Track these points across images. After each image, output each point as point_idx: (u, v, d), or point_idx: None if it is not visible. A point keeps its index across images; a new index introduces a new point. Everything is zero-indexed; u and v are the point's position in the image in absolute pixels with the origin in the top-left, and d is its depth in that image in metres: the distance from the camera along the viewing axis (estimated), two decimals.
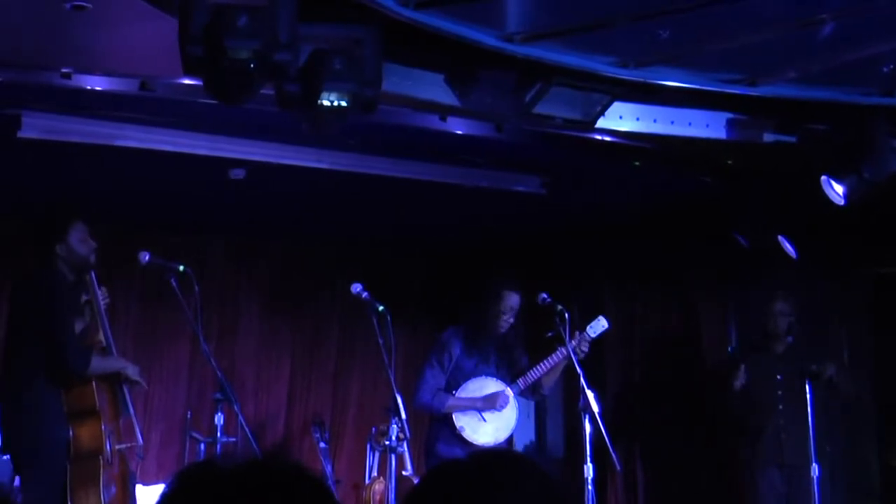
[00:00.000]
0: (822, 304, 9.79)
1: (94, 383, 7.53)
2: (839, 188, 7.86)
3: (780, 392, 9.33)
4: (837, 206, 7.89)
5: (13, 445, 7.42)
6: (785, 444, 9.26)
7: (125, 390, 7.85)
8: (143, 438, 8.15)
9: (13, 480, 7.81)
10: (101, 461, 7.44)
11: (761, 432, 9.41)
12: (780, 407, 9.32)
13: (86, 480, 7.39)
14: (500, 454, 2.44)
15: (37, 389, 7.38)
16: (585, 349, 8.74)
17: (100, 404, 7.54)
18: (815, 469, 8.76)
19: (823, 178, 7.91)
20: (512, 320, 8.92)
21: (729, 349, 10.53)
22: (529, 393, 9.06)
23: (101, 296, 7.90)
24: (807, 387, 8.90)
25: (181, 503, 2.17)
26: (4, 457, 7.57)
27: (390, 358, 7.94)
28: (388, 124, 7.79)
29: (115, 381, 7.79)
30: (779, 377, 9.34)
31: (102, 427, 7.49)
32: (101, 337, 7.90)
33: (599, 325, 8.91)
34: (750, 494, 9.55)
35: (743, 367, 9.45)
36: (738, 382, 9.42)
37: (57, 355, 7.37)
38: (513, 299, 8.88)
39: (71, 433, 7.41)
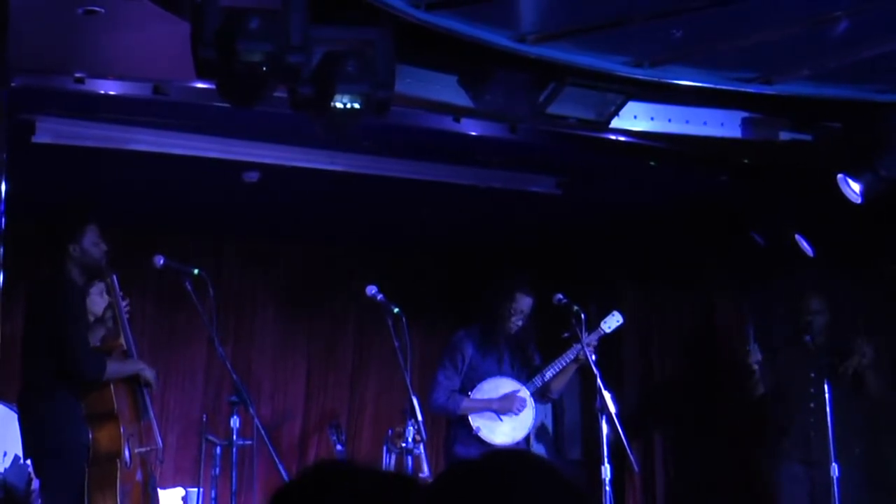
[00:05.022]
0: (841, 301, 9.74)
1: (112, 387, 7.55)
2: (856, 186, 7.84)
3: (811, 389, 9.26)
4: (854, 203, 7.87)
5: (34, 450, 7.42)
6: (813, 441, 9.19)
7: (145, 393, 7.86)
8: (161, 442, 8.15)
9: (30, 483, 7.82)
10: (119, 464, 7.44)
11: (788, 428, 9.35)
12: (812, 404, 9.24)
13: (103, 484, 7.40)
14: (513, 454, 2.43)
15: (55, 395, 7.40)
16: (594, 343, 8.72)
17: (120, 407, 7.55)
18: (834, 469, 8.72)
19: (840, 176, 7.89)
20: (521, 323, 8.88)
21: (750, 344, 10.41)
22: (538, 396, 9.01)
23: (123, 302, 7.92)
24: (825, 385, 8.86)
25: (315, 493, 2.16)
26: (26, 461, 7.59)
27: (406, 360, 7.94)
28: (401, 126, 7.79)
29: (135, 383, 7.80)
30: (812, 374, 9.27)
31: (121, 430, 7.51)
32: (123, 341, 7.91)
33: (614, 319, 8.90)
34: (772, 490, 9.49)
35: (755, 346, 9.36)
36: (753, 360, 9.32)
37: (71, 364, 7.37)
38: (525, 302, 8.84)
39: (90, 436, 7.42)
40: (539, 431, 9.23)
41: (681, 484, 11.02)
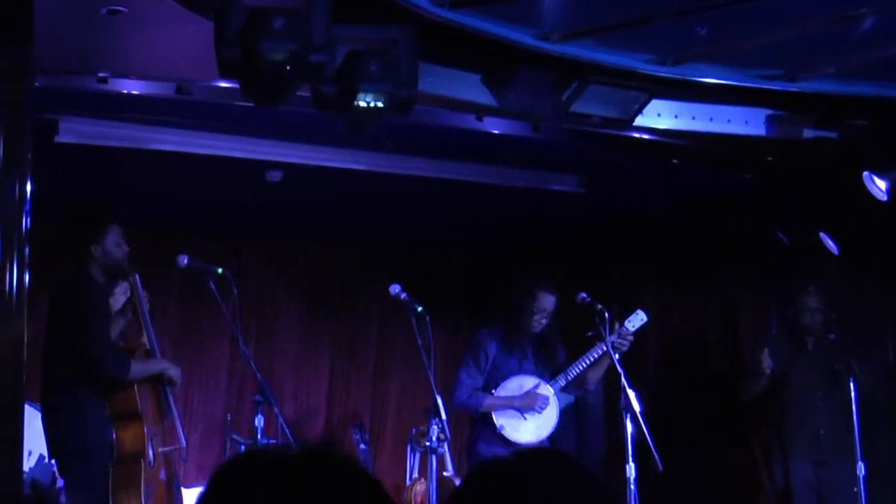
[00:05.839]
0: (864, 300, 9.70)
1: (135, 386, 7.55)
2: (881, 183, 7.81)
3: (816, 388, 9.25)
4: (878, 201, 7.84)
5: (58, 450, 7.43)
6: (822, 440, 9.17)
7: (168, 392, 7.86)
8: (185, 441, 8.16)
9: (55, 482, 7.84)
10: (143, 464, 7.45)
11: (797, 427, 9.32)
12: (818, 404, 9.23)
13: (128, 483, 7.41)
14: (543, 452, 2.43)
15: (79, 395, 7.40)
16: (626, 344, 8.70)
17: (143, 407, 7.55)
18: (861, 468, 8.68)
19: (865, 173, 7.86)
20: (544, 321, 8.87)
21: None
22: (573, 387, 9.01)
23: (145, 299, 7.93)
24: (851, 385, 8.82)
25: (230, 489, 2.15)
26: (51, 461, 7.60)
27: (430, 358, 7.92)
28: (424, 125, 7.79)
29: (158, 382, 7.80)
30: (814, 373, 9.25)
31: (145, 430, 7.51)
32: (145, 339, 7.92)
33: (638, 318, 8.87)
34: (782, 490, 9.46)
35: (766, 350, 9.28)
36: (765, 364, 9.24)
37: (94, 364, 7.37)
38: (547, 300, 8.83)
39: (114, 436, 7.42)
40: (562, 429, 9.21)
41: (698, 483, 11.00)
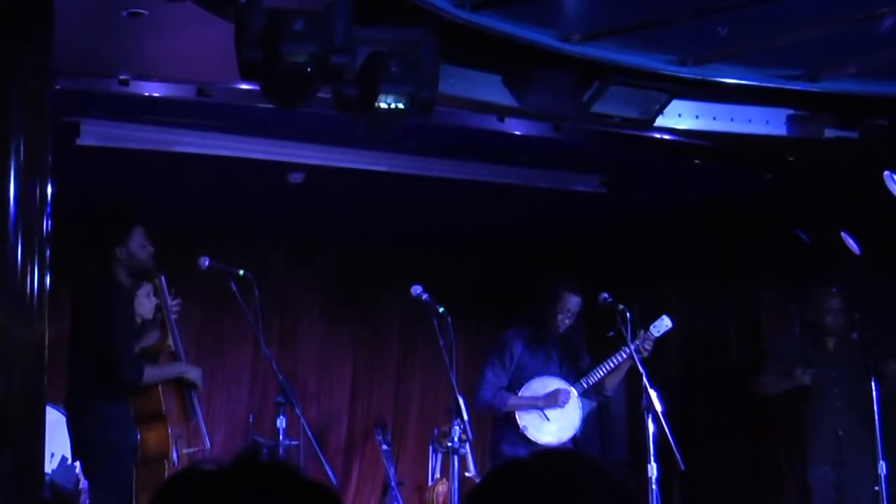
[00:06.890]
0: (887, 300, 9.67)
1: (160, 388, 7.55)
2: None
3: (835, 389, 9.22)
4: None
5: (82, 452, 7.44)
6: (842, 442, 9.15)
7: (193, 394, 7.87)
8: (209, 443, 8.17)
9: (78, 484, 7.86)
10: (167, 465, 7.46)
11: (816, 429, 9.30)
12: (837, 404, 9.21)
13: (151, 484, 7.40)
14: (561, 453, 2.42)
15: (102, 396, 7.40)
16: (649, 348, 8.70)
17: (167, 408, 7.55)
18: (882, 467, 8.67)
19: (886, 173, 7.83)
20: (568, 321, 8.87)
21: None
22: (592, 393, 9.01)
23: (172, 303, 7.94)
24: (872, 384, 8.79)
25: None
26: (74, 463, 7.61)
27: (451, 359, 7.92)
28: (445, 126, 7.79)
29: (182, 385, 7.81)
30: (833, 374, 9.23)
31: (169, 431, 7.52)
32: (171, 342, 7.92)
33: (663, 324, 8.87)
34: (802, 491, 9.44)
35: (807, 371, 9.27)
36: (801, 379, 9.25)
37: (111, 368, 7.38)
38: (571, 301, 8.83)
39: (139, 437, 7.43)
40: (586, 433, 9.21)
41: (719, 483, 10.99)
